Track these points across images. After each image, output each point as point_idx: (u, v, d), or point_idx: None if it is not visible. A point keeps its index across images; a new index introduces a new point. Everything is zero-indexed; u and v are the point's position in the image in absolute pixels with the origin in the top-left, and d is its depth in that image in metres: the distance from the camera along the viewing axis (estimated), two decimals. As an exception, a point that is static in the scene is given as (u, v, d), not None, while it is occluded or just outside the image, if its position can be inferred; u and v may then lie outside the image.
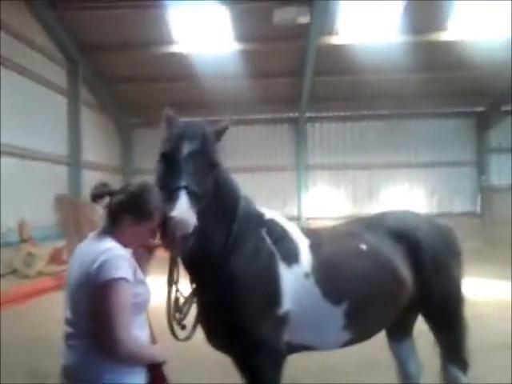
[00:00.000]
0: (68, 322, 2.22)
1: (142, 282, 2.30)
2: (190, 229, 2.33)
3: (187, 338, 2.82)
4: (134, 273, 2.22)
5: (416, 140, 21.60)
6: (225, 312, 2.69)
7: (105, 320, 2.07)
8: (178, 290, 2.79)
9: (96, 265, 2.09)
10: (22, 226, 13.11)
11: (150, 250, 2.58)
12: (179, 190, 2.42)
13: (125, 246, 2.28)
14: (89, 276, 2.11)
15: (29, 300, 10.01)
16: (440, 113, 21.56)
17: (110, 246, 2.19)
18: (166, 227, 2.33)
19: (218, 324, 2.77)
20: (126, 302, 2.08)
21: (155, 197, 2.36)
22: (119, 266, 2.10)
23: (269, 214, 3.10)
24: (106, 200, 2.34)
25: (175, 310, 2.78)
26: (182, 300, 2.81)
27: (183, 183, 2.45)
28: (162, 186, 2.53)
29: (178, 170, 2.53)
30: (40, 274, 12.43)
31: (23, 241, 12.95)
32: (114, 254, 2.13)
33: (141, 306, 2.27)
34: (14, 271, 12.40)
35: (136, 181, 2.46)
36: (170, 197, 2.42)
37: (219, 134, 2.87)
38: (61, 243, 13.75)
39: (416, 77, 18.51)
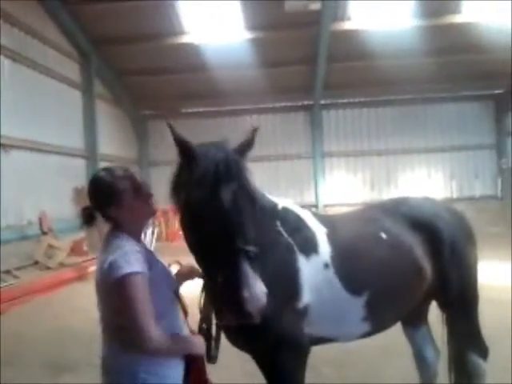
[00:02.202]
0: (100, 316, 2.27)
1: (161, 266, 2.33)
2: (265, 300, 2.06)
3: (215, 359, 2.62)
4: (150, 262, 2.22)
5: (433, 124, 21.34)
6: None
7: (125, 315, 2.09)
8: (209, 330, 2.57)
9: (106, 265, 2.12)
10: (42, 219, 13.28)
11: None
12: (237, 256, 2.05)
13: (132, 233, 2.29)
14: (102, 275, 2.15)
15: (50, 291, 10.16)
16: (457, 96, 21.21)
17: (118, 244, 2.19)
18: (235, 306, 2.03)
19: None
20: (142, 295, 2.07)
21: (128, 170, 2.35)
22: (128, 261, 2.10)
23: (281, 202, 2.98)
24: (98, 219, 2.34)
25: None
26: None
27: (240, 245, 2.08)
28: (201, 243, 2.19)
29: (222, 225, 2.11)
30: (61, 265, 12.63)
31: (44, 233, 13.12)
32: (122, 252, 2.13)
33: (165, 290, 2.28)
34: (36, 263, 12.61)
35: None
36: (224, 262, 2.07)
37: (247, 148, 2.48)
38: (81, 235, 13.91)
39: (432, 61, 18.22)
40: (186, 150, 2.34)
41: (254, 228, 2.22)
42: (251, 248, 2.10)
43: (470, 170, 21.34)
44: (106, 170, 2.36)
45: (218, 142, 2.44)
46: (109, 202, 2.27)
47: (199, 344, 2.31)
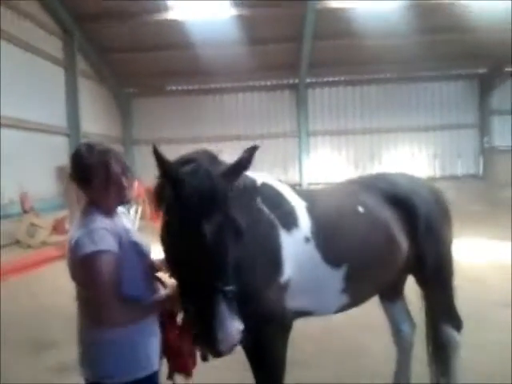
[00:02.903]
0: (75, 290, 2.30)
1: (135, 240, 2.32)
2: (238, 338, 2.03)
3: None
4: (121, 239, 2.21)
5: (417, 103, 21.44)
6: None
7: (89, 291, 2.15)
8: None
9: (73, 242, 2.13)
10: (23, 198, 13.17)
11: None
12: (214, 296, 1.99)
13: (105, 210, 2.27)
14: (70, 252, 2.16)
15: (32, 270, 10.10)
16: (441, 75, 21.30)
17: (87, 221, 2.18)
18: (207, 343, 2.03)
19: None
20: (104, 273, 2.08)
21: (103, 145, 2.30)
22: (92, 239, 2.09)
23: (261, 178, 2.93)
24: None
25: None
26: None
27: (218, 285, 2.00)
28: (178, 272, 2.14)
29: (202, 262, 2.02)
30: (43, 244, 12.56)
31: (25, 212, 13.02)
32: (88, 230, 2.13)
33: (138, 264, 2.28)
34: (17, 242, 12.55)
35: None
36: (200, 300, 2.02)
37: (240, 170, 2.26)
38: (63, 213, 13.81)
39: (417, 40, 18.22)
40: (169, 174, 2.15)
41: (235, 264, 2.13)
42: (230, 288, 2.03)
43: (452, 149, 21.52)
44: (86, 144, 2.31)
45: (205, 162, 2.25)
46: (82, 177, 2.26)
47: (167, 300, 2.30)
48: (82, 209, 2.30)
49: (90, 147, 2.28)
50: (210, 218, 2.04)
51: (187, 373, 2.35)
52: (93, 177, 2.22)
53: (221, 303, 1.98)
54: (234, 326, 2.00)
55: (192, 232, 2.02)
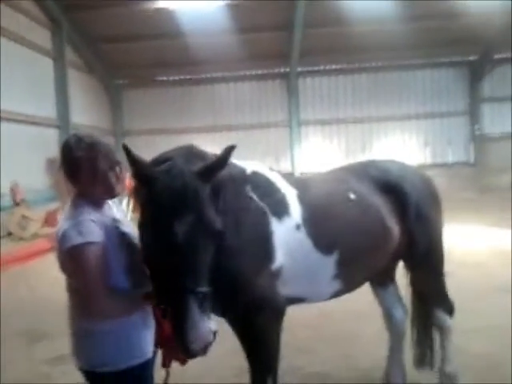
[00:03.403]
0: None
1: (124, 232, 2.31)
2: (211, 338, 2.03)
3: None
4: (108, 230, 2.20)
5: (408, 91, 21.47)
6: (221, 276, 2.48)
7: (78, 283, 2.16)
8: None
9: (60, 234, 2.13)
10: (14, 190, 13.11)
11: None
12: (185, 296, 1.99)
13: (93, 201, 2.26)
14: (58, 244, 2.16)
15: (24, 262, 10.07)
16: (432, 63, 21.33)
17: (73, 211, 2.17)
18: (181, 344, 2.03)
19: (215, 287, 2.55)
20: (91, 264, 2.08)
21: (94, 136, 2.28)
22: (79, 231, 2.09)
23: (250, 166, 2.94)
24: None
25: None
26: None
27: (189, 286, 2.00)
28: (152, 271, 2.15)
29: (173, 262, 2.01)
30: (35, 236, 12.52)
31: (16, 204, 12.97)
32: (74, 222, 2.12)
33: (127, 256, 2.27)
34: (9, 234, 12.51)
35: None
36: (171, 300, 2.03)
37: (215, 169, 2.22)
38: (54, 205, 13.75)
39: (407, 27, 18.20)
40: (141, 173, 2.14)
41: (208, 261, 2.11)
42: (202, 289, 2.02)
43: (443, 137, 21.60)
44: (75, 136, 2.29)
45: (181, 161, 2.23)
46: (70, 170, 2.25)
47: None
48: (70, 200, 2.29)
49: (78, 140, 2.25)
50: (182, 217, 2.02)
51: (182, 360, 2.36)
52: (80, 170, 2.21)
53: (191, 304, 1.97)
54: (205, 327, 1.99)
55: (163, 231, 2.01)
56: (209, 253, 2.11)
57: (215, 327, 2.05)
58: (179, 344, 2.05)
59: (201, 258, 2.06)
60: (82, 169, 2.20)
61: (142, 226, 2.17)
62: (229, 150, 2.22)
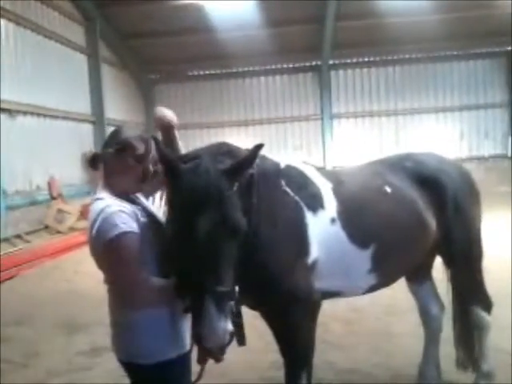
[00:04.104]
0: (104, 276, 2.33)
1: (154, 223, 2.32)
2: (226, 340, 2.02)
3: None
4: (139, 219, 2.22)
5: (443, 83, 20.98)
6: (256, 270, 2.54)
7: (117, 275, 2.17)
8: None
9: (95, 230, 2.13)
10: (51, 184, 13.38)
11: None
12: (203, 295, 1.98)
13: (121, 192, 2.28)
14: (92, 240, 2.17)
15: (61, 255, 10.31)
16: (468, 54, 20.76)
17: (103, 205, 2.17)
18: (198, 343, 2.09)
19: (250, 281, 2.55)
20: (130, 253, 2.10)
21: (126, 130, 2.34)
22: (114, 223, 2.10)
23: (284, 161, 2.93)
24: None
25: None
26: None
27: (206, 283, 1.99)
28: (177, 272, 2.16)
29: (194, 260, 2.03)
30: (71, 229, 12.76)
31: (53, 198, 13.23)
32: (106, 214, 2.12)
33: (155, 241, 2.27)
34: (46, 227, 12.76)
35: None
36: (192, 297, 2.05)
37: (243, 167, 2.22)
38: (90, 199, 13.98)
39: (442, 17, 17.71)
40: (168, 168, 2.17)
41: (232, 263, 2.10)
42: (221, 288, 2.00)
43: (479, 129, 21.07)
44: (123, 128, 2.39)
45: (208, 159, 2.22)
46: (110, 146, 2.30)
47: None
48: (98, 193, 2.31)
49: (112, 133, 2.34)
50: (203, 215, 2.00)
51: (217, 357, 2.36)
52: (108, 163, 2.28)
53: (209, 303, 1.96)
54: (221, 327, 1.97)
55: (184, 228, 2.02)
56: (231, 252, 2.09)
57: (230, 328, 2.02)
58: (195, 341, 2.09)
59: (221, 256, 2.04)
60: (110, 162, 2.27)
61: (167, 221, 2.23)
62: (256, 149, 2.20)
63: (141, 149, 2.26)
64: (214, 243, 2.02)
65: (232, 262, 2.10)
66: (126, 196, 2.31)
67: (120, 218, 2.12)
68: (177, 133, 2.78)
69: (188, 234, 2.01)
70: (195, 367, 2.43)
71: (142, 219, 2.24)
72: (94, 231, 2.13)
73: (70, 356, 5.11)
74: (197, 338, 2.05)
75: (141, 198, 2.44)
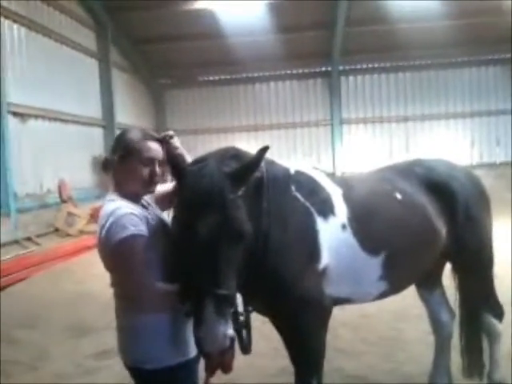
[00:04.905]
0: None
1: (163, 226, 2.33)
2: (226, 344, 2.00)
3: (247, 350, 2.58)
4: (148, 222, 2.23)
5: (454, 90, 20.89)
6: (266, 276, 2.56)
7: (124, 277, 2.18)
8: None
9: (104, 231, 2.14)
10: (61, 187, 13.44)
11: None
12: (204, 296, 1.97)
13: (131, 194, 2.29)
14: (101, 241, 2.17)
15: (70, 257, 10.34)
16: (479, 60, 20.66)
17: (114, 207, 2.18)
18: (196, 345, 2.08)
19: (260, 286, 2.60)
20: (137, 256, 2.10)
21: (131, 133, 2.34)
22: (124, 225, 2.10)
23: (294, 167, 2.93)
24: None
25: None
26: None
27: (207, 285, 1.98)
28: (179, 274, 2.13)
29: (195, 262, 2.02)
30: (81, 232, 12.79)
31: (63, 201, 13.29)
32: (117, 216, 2.13)
33: (163, 244, 2.26)
34: (56, 230, 12.81)
35: None
36: (192, 299, 2.03)
37: (248, 171, 2.23)
38: (100, 203, 14.03)
39: (452, 24, 17.63)
40: (175, 170, 2.22)
41: (235, 266, 2.09)
42: (221, 291, 1.98)
43: (490, 136, 20.93)
44: (122, 131, 2.42)
45: (214, 162, 2.23)
46: (117, 151, 2.32)
47: None
48: (108, 196, 2.32)
49: (120, 136, 2.37)
50: (205, 218, 2.00)
51: (226, 368, 2.33)
52: (126, 159, 2.28)
53: (208, 306, 1.96)
54: (220, 331, 1.96)
55: (187, 230, 2.03)
56: (233, 256, 2.07)
57: (231, 332, 2.01)
58: (196, 346, 2.07)
59: (223, 259, 2.03)
60: (131, 158, 2.27)
61: (172, 222, 2.23)
62: (262, 152, 2.22)
63: (146, 151, 2.27)
64: (214, 245, 2.01)
65: (234, 266, 2.09)
66: (136, 199, 2.32)
67: (130, 221, 2.12)
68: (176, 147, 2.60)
69: (189, 235, 2.02)
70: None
71: (152, 223, 2.25)
72: (103, 232, 2.14)
73: (78, 359, 5.11)
74: (197, 341, 2.03)
75: (151, 202, 2.45)
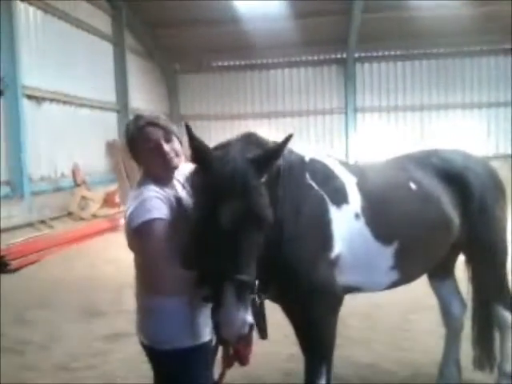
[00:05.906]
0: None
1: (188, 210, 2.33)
2: (245, 330, 1.99)
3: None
4: (173, 206, 2.24)
5: (470, 79, 20.61)
6: (279, 263, 2.54)
7: (145, 259, 2.24)
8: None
9: (128, 213, 2.19)
10: (75, 171, 13.55)
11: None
12: (224, 283, 1.97)
13: (158, 179, 2.30)
14: (126, 224, 2.23)
15: (84, 241, 10.44)
16: (497, 49, 20.33)
17: (140, 191, 2.23)
18: (215, 331, 2.10)
19: (274, 273, 2.55)
20: (158, 240, 2.13)
21: (133, 124, 2.35)
22: (146, 209, 2.14)
23: (309, 154, 2.90)
24: None
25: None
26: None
27: (227, 271, 1.98)
28: (199, 259, 2.11)
29: (217, 248, 2.02)
30: (94, 216, 12.92)
31: (77, 185, 13.39)
32: (141, 199, 2.17)
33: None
34: (70, 214, 12.91)
35: None
36: (212, 285, 2.04)
37: (272, 158, 2.22)
38: (113, 187, 14.18)
39: (470, 12, 17.29)
40: (198, 156, 2.17)
41: (255, 253, 2.08)
42: (242, 277, 1.98)
43: (507, 127, 20.65)
44: (136, 117, 2.41)
45: (237, 148, 2.24)
46: (131, 149, 2.36)
47: None
48: (138, 180, 2.37)
49: (134, 119, 2.39)
50: (228, 203, 1.99)
51: (243, 360, 2.32)
52: (135, 147, 2.32)
53: (228, 291, 1.95)
54: (239, 317, 1.95)
55: (209, 215, 2.02)
56: (255, 242, 2.07)
57: (250, 319, 2.00)
58: (214, 331, 2.10)
59: (244, 245, 2.02)
60: (137, 145, 2.30)
61: (193, 207, 2.22)
62: (286, 140, 2.21)
63: (145, 142, 2.28)
64: (236, 231, 2.00)
65: (255, 253, 2.09)
66: (163, 181, 2.32)
67: (154, 204, 2.16)
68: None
69: (211, 221, 2.01)
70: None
71: (177, 207, 2.27)
72: (127, 214, 2.20)
73: (89, 340, 5.18)
74: (215, 326, 2.05)
75: (177, 186, 2.43)
